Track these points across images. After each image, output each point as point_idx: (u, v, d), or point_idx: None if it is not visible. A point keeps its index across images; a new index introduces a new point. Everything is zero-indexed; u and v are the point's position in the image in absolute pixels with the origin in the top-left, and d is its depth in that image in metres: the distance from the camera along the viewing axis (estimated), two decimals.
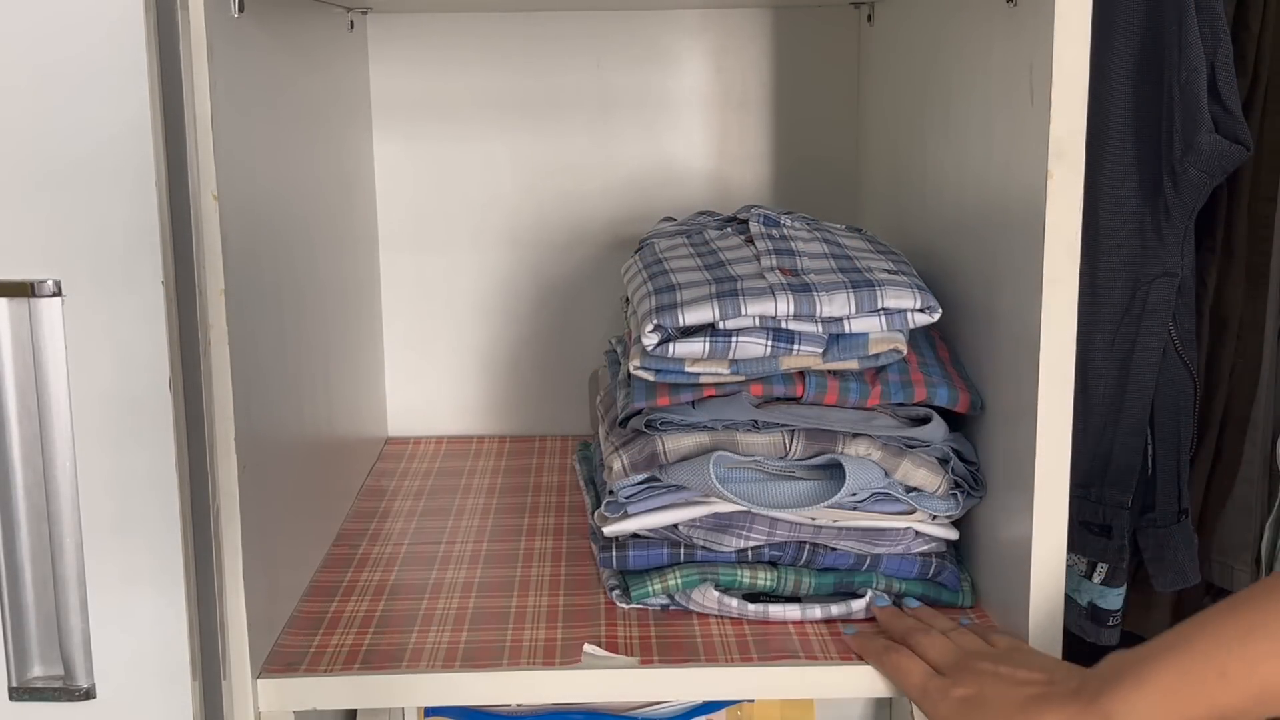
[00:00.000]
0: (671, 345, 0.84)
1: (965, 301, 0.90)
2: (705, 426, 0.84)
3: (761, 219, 0.97)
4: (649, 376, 0.86)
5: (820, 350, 0.85)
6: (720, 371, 0.85)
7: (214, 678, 0.76)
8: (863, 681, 0.80)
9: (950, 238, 0.94)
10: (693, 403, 0.86)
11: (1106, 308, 0.92)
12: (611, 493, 0.88)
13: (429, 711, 1.13)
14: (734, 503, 0.84)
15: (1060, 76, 0.72)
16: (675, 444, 0.85)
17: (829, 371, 0.87)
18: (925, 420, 0.87)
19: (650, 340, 0.84)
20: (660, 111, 1.28)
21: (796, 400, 0.86)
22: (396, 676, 0.80)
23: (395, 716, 1.13)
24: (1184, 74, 0.85)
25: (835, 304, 0.84)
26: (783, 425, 0.84)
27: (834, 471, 0.84)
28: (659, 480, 0.86)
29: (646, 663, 0.80)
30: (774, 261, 0.89)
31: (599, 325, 1.32)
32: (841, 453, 0.84)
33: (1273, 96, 0.91)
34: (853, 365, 0.86)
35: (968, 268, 0.88)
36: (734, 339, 0.84)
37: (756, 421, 0.85)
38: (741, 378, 0.85)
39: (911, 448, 0.85)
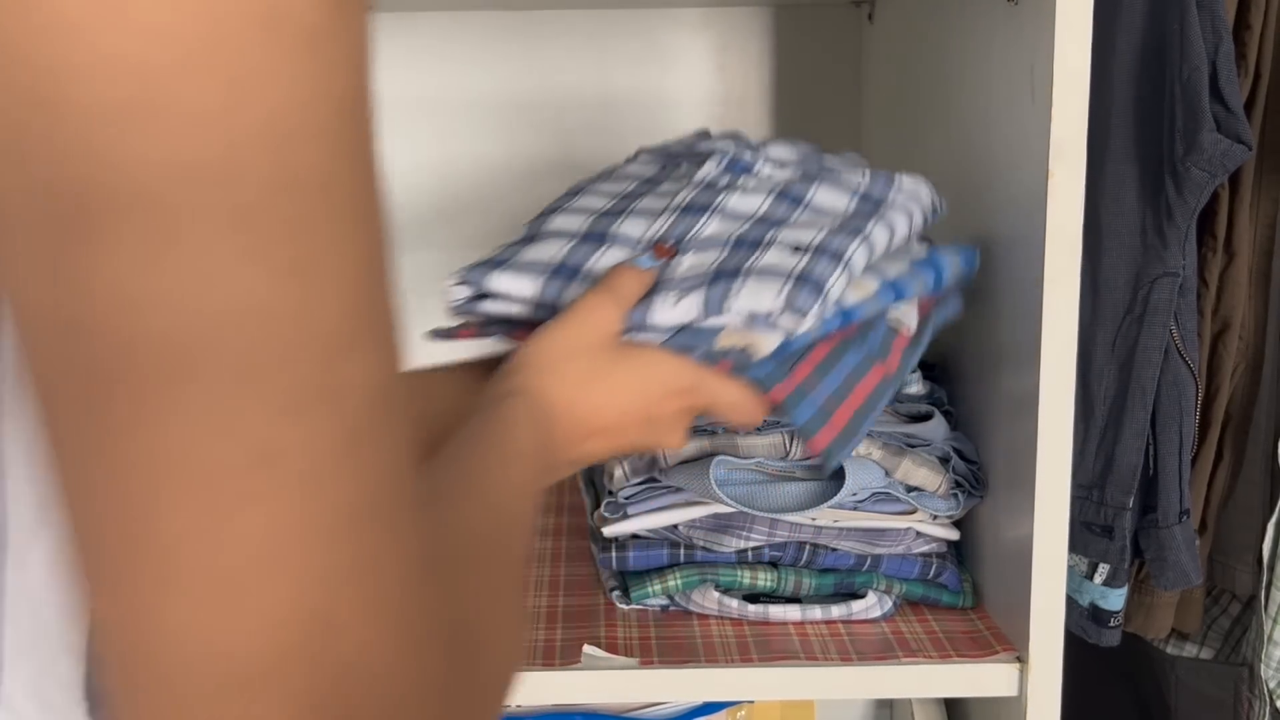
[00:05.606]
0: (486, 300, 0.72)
1: (965, 301, 0.90)
2: (705, 429, 0.84)
3: (726, 161, 0.78)
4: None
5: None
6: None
7: None
8: (863, 682, 0.80)
9: (950, 237, 0.93)
10: None
11: (1107, 308, 0.91)
12: (611, 493, 0.87)
13: None
14: (735, 508, 0.83)
15: (1061, 76, 0.71)
16: None
17: None
18: (925, 417, 0.87)
19: (456, 293, 0.72)
20: (660, 110, 1.28)
21: None
22: None
23: None
24: (1185, 73, 0.84)
25: (679, 309, 0.67)
26: (783, 425, 0.84)
27: (834, 471, 0.84)
28: (658, 480, 0.86)
29: (646, 663, 0.80)
30: (665, 228, 0.73)
31: None
32: None
33: (1274, 95, 0.91)
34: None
35: None
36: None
37: None
38: None
39: (912, 446, 0.85)
